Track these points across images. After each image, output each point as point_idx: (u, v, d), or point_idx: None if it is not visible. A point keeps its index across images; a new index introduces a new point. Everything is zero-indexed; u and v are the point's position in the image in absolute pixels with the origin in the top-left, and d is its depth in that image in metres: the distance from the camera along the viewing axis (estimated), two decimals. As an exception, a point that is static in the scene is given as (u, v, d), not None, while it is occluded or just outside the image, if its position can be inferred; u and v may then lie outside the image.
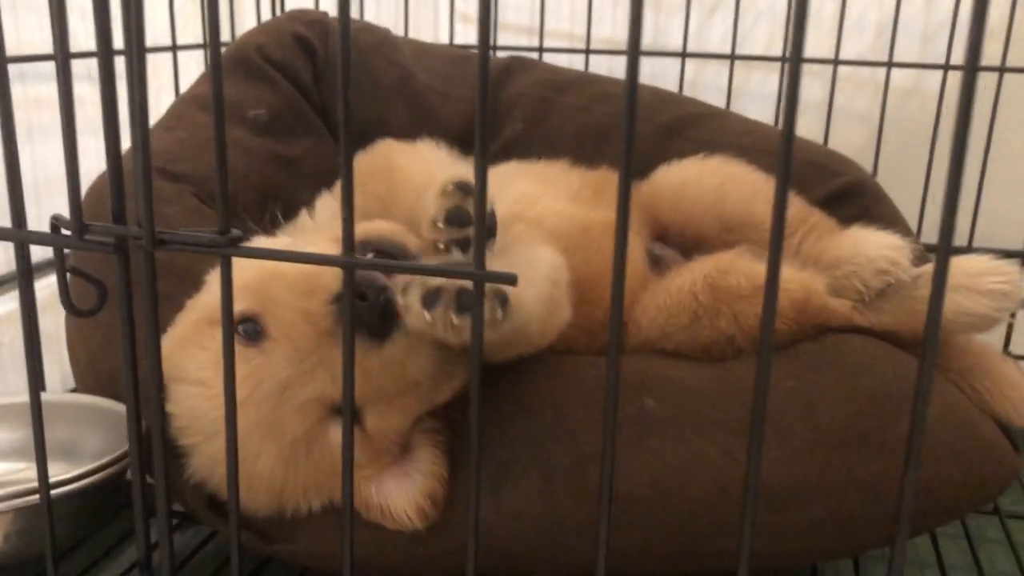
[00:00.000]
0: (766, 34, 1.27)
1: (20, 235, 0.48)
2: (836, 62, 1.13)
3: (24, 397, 0.77)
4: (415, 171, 0.74)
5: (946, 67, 1.11)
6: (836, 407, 0.69)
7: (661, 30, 1.28)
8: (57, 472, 0.65)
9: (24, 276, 0.49)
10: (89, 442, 0.73)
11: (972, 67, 0.34)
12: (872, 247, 0.79)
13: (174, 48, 1.08)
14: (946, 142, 1.03)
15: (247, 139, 0.93)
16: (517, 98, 1.04)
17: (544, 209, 0.83)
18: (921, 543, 0.87)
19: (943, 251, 0.39)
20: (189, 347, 0.64)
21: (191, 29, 1.15)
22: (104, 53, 0.44)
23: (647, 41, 1.27)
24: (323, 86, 1.01)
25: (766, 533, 0.68)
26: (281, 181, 0.93)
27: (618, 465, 0.67)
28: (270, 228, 0.78)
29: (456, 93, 1.05)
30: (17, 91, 1.00)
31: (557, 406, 0.69)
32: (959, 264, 0.73)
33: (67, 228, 0.47)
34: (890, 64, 1.12)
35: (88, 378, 0.78)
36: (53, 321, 0.88)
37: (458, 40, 1.29)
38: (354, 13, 1.20)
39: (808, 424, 0.69)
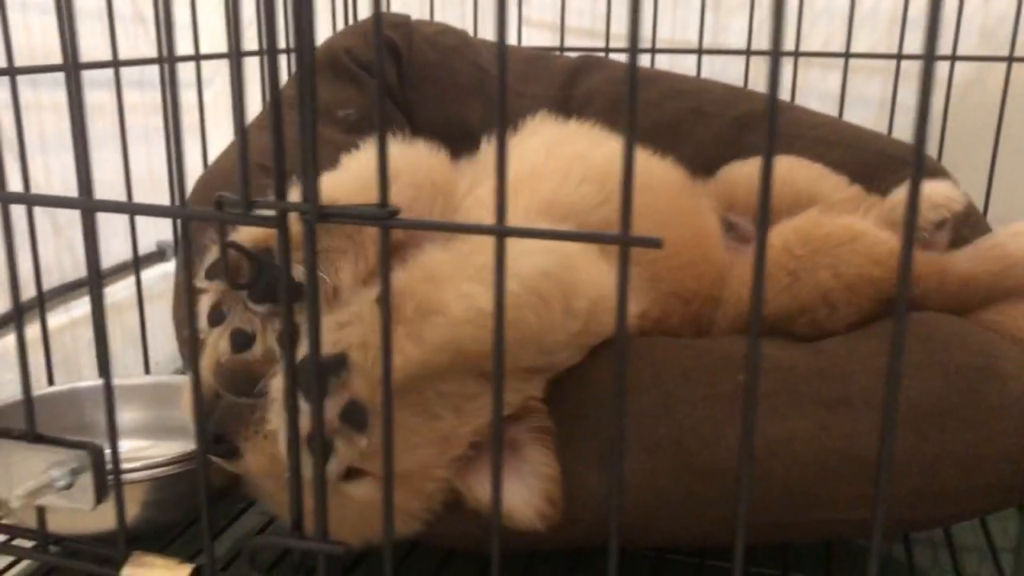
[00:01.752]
0: (824, 32, 1.30)
1: (183, 212, 0.52)
2: (899, 57, 1.16)
3: (153, 379, 0.82)
4: None
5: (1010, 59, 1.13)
6: (927, 382, 0.72)
7: (722, 29, 1.31)
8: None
9: (186, 253, 0.52)
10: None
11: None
12: (925, 188, 0.81)
13: (261, 52, 1.12)
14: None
15: (338, 137, 0.96)
16: (591, 95, 1.07)
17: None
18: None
19: None
20: None
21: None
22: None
23: (708, 40, 1.30)
24: (407, 87, 1.04)
25: (864, 504, 0.70)
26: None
27: (718, 440, 0.70)
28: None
29: (531, 91, 1.09)
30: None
31: (657, 384, 0.72)
32: None
33: (231, 206, 0.51)
34: (954, 58, 1.14)
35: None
36: (160, 308, 0.93)
37: (525, 44, 1.33)
38: (424, 18, 1.24)
39: (901, 398, 0.71)
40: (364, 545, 0.64)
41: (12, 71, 0.81)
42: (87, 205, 0.53)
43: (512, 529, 0.68)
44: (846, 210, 0.86)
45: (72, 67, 0.51)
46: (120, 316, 1.11)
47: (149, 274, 1.26)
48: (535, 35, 1.35)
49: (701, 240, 0.87)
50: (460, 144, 0.87)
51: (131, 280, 1.17)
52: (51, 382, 0.88)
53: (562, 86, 1.08)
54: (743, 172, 0.94)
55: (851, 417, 0.70)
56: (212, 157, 1.10)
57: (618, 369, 0.45)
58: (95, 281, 0.55)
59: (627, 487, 0.69)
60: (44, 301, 0.88)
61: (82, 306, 1.11)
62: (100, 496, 0.59)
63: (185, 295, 0.52)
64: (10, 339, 1.07)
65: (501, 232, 0.46)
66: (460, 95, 1.06)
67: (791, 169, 0.92)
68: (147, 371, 1.03)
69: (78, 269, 1.08)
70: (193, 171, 1.13)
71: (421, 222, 0.49)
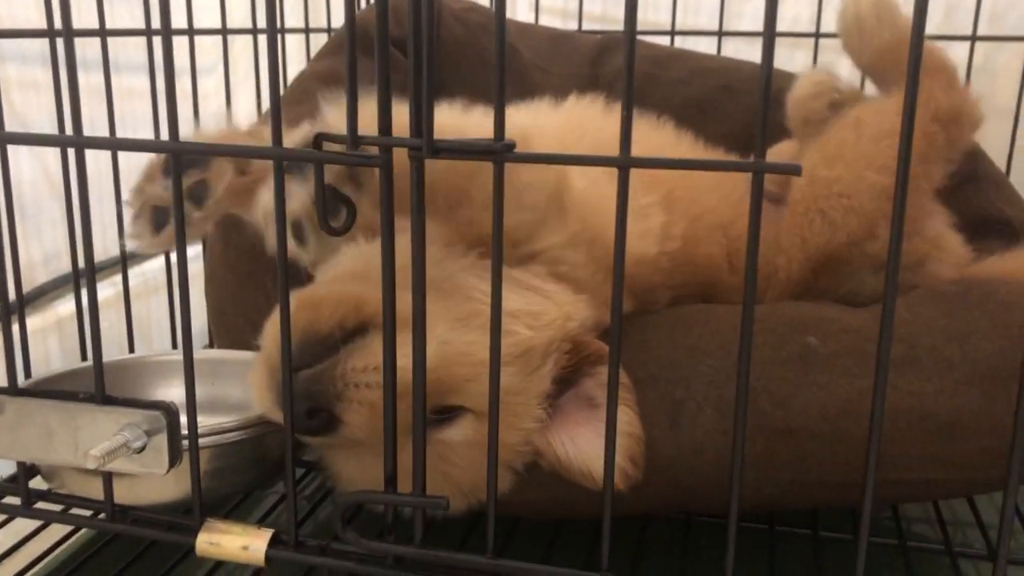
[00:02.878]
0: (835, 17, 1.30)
1: (279, 152, 0.50)
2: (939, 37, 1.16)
3: (199, 353, 0.79)
4: None
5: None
6: (991, 342, 0.71)
7: (734, 15, 1.31)
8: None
9: (279, 196, 0.50)
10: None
11: None
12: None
13: (281, 30, 1.11)
14: None
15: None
16: (619, 73, 1.06)
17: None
18: None
19: None
20: None
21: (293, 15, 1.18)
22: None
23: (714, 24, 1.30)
24: (435, 62, 1.03)
25: (934, 463, 0.70)
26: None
27: (789, 400, 0.69)
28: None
29: (556, 69, 1.08)
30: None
31: (724, 347, 0.71)
32: None
33: (332, 144, 0.49)
34: (974, 38, 1.15)
35: (245, 336, 0.79)
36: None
37: (542, 26, 1.32)
38: (440, 1, 1.23)
39: (966, 359, 0.71)
40: (464, 507, 0.62)
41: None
42: (175, 148, 0.50)
43: (579, 493, 0.67)
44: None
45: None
46: (141, 299, 1.09)
47: (154, 264, 1.24)
48: (547, 21, 1.35)
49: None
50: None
51: (139, 269, 1.15)
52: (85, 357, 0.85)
53: (590, 64, 1.07)
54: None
55: (919, 376, 0.70)
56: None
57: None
58: (182, 239, 0.52)
59: (701, 449, 0.68)
60: (78, 279, 0.84)
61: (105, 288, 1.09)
62: (173, 459, 0.57)
63: (280, 239, 0.50)
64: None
65: (626, 164, 0.45)
66: (488, 72, 1.04)
67: None
68: (173, 346, 1.00)
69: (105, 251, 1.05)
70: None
71: (539, 155, 0.48)
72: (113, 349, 1.06)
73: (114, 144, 0.56)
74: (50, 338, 1.10)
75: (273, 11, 0.49)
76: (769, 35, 0.43)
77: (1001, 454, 0.71)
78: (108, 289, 1.11)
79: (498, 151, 0.46)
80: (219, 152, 0.59)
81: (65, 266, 1.08)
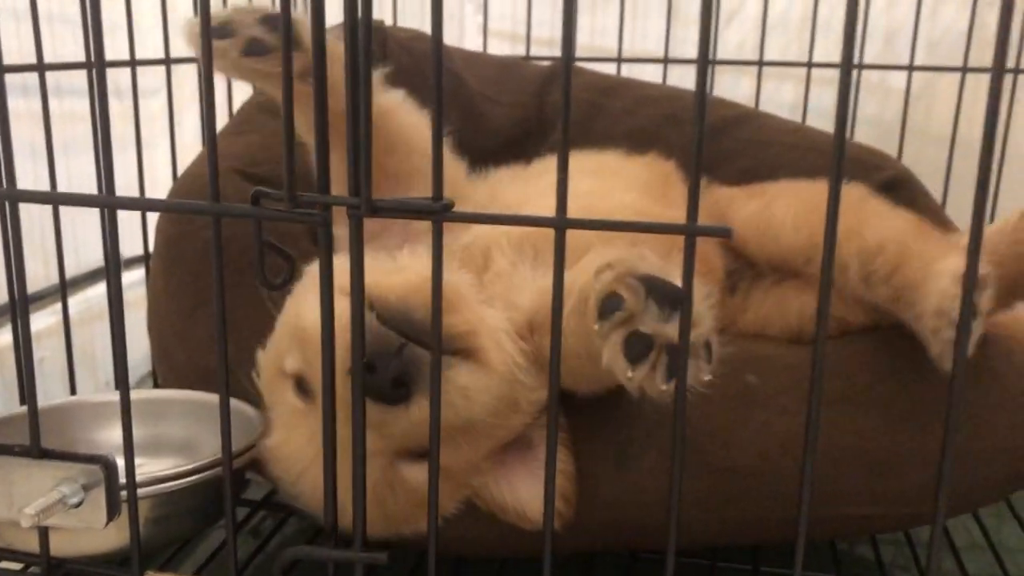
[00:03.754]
0: (780, 44, 1.33)
1: (217, 208, 0.49)
2: (860, 66, 1.19)
3: (141, 393, 0.78)
4: None
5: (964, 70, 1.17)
6: (928, 379, 0.73)
7: (681, 41, 1.33)
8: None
9: (218, 250, 0.50)
10: (208, 440, 0.74)
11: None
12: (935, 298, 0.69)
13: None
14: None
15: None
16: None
17: (616, 204, 0.85)
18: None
19: None
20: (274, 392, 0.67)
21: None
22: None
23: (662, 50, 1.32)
24: (369, 86, 1.03)
25: (871, 499, 0.71)
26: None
27: (729, 439, 0.70)
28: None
29: (504, 99, 1.08)
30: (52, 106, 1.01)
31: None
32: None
33: (270, 201, 0.49)
34: (911, 68, 1.18)
35: (189, 375, 0.78)
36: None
37: (489, 52, 1.32)
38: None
39: (902, 396, 0.72)
40: (393, 536, 0.63)
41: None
42: (109, 203, 0.50)
43: (524, 531, 0.68)
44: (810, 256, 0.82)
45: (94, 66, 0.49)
46: (85, 326, 1.07)
47: (98, 290, 1.22)
48: (496, 44, 1.35)
49: None
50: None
51: (82, 296, 1.13)
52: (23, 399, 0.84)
53: (537, 93, 1.07)
54: (751, 224, 0.88)
55: (856, 413, 0.72)
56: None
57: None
58: (116, 285, 0.52)
59: (644, 488, 0.69)
60: (15, 318, 0.83)
61: (47, 317, 1.07)
62: (112, 513, 0.56)
63: (217, 289, 0.50)
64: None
65: (561, 224, 0.46)
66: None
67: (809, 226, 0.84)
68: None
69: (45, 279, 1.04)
70: (160, 180, 1.10)
71: (476, 215, 0.48)
72: (56, 379, 1.04)
73: (52, 199, 0.54)
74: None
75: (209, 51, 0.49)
76: (701, 89, 0.44)
77: (932, 490, 0.73)
78: (50, 318, 1.09)
79: (436, 211, 0.46)
80: (154, 208, 0.59)
81: (2, 297, 1.06)
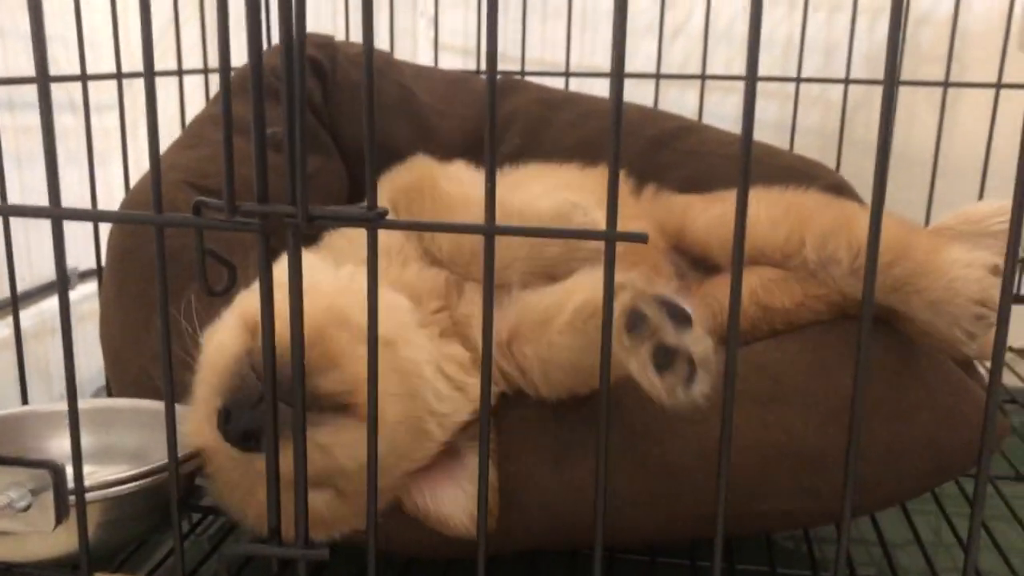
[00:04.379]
0: (724, 58, 1.37)
1: (160, 219, 0.51)
2: (798, 80, 1.23)
3: (92, 403, 0.79)
4: (457, 197, 0.75)
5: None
6: (852, 378, 0.76)
7: (629, 55, 1.36)
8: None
9: (160, 259, 0.52)
10: (160, 448, 0.75)
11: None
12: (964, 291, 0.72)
13: (179, 72, 1.11)
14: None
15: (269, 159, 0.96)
16: (513, 115, 1.10)
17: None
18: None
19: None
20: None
21: (191, 57, 1.18)
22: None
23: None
24: (332, 106, 1.05)
25: (802, 493, 0.74)
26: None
27: (669, 440, 0.73)
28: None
29: (453, 111, 1.11)
30: (6, 120, 1.02)
31: (608, 392, 0.74)
32: (964, 212, 0.80)
33: (211, 211, 0.51)
34: (847, 81, 1.22)
35: (143, 384, 0.80)
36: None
37: (442, 67, 1.35)
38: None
39: (830, 394, 0.75)
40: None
41: None
42: (56, 213, 0.51)
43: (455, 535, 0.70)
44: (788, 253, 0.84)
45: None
46: (38, 339, 1.08)
47: (52, 303, 1.22)
48: (446, 59, 1.38)
49: None
50: (386, 164, 0.88)
51: (36, 309, 1.13)
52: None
53: (485, 107, 1.10)
54: (711, 232, 0.91)
55: (786, 412, 0.74)
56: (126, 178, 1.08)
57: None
58: (65, 298, 0.53)
59: (582, 488, 0.71)
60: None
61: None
62: (60, 517, 0.58)
63: (161, 299, 0.52)
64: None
65: (490, 231, 0.48)
66: (385, 115, 1.07)
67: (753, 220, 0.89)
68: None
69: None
70: (116, 194, 1.11)
71: (409, 223, 0.50)
72: (8, 391, 1.05)
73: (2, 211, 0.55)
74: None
75: (150, 58, 0.51)
76: (616, 100, 0.46)
77: (864, 483, 0.76)
78: (3, 330, 1.10)
79: (371, 219, 0.48)
80: (104, 219, 0.60)
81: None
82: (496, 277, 0.46)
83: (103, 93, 1.10)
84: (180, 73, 1.12)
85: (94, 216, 0.59)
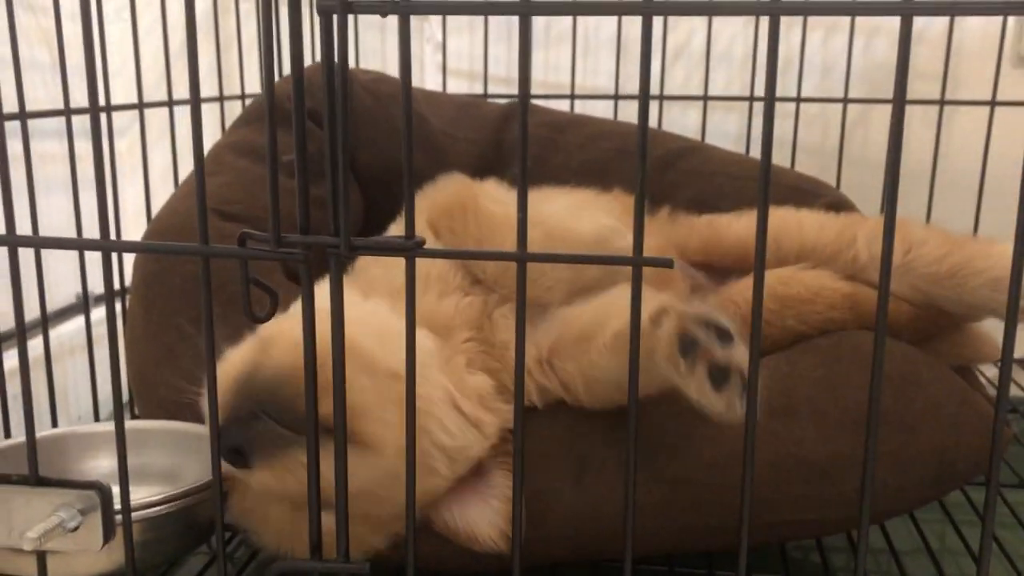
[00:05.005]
0: (724, 78, 1.40)
1: (207, 250, 0.54)
2: (798, 99, 1.26)
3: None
4: (500, 217, 0.77)
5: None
6: (860, 391, 0.79)
7: (630, 77, 1.40)
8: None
9: (207, 288, 0.54)
10: (191, 468, 0.77)
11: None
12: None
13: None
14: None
15: (283, 181, 0.99)
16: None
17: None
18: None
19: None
20: None
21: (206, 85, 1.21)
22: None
23: (611, 86, 1.39)
24: (347, 132, 1.08)
25: (813, 503, 0.77)
26: (317, 220, 0.99)
27: (677, 452, 0.76)
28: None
29: (463, 135, 1.14)
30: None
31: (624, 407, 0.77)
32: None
33: (256, 242, 0.53)
34: (846, 100, 1.25)
35: (171, 408, 0.82)
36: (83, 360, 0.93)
37: (450, 91, 1.38)
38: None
39: (838, 406, 0.78)
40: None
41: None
42: (107, 246, 0.54)
43: (484, 552, 0.72)
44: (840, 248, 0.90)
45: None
46: (57, 362, 1.10)
47: (70, 327, 1.24)
48: (455, 83, 1.41)
49: None
50: (399, 188, 0.91)
51: (55, 333, 1.16)
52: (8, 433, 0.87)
53: (494, 130, 1.13)
54: (728, 240, 0.96)
55: (797, 424, 0.77)
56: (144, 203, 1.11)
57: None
58: (113, 327, 0.56)
59: (603, 500, 0.74)
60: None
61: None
62: (107, 536, 0.60)
63: (206, 322, 0.54)
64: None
65: (523, 258, 0.51)
66: (398, 140, 1.09)
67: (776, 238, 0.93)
68: (96, 417, 1.02)
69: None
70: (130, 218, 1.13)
71: (445, 251, 0.53)
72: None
73: (47, 243, 0.58)
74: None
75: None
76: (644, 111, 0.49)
77: (872, 493, 0.79)
78: (13, 360, 1.11)
79: (409, 248, 0.51)
80: (153, 250, 0.63)
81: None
82: (539, 298, 0.49)
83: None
84: (197, 102, 1.15)
85: (144, 247, 0.62)
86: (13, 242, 0.56)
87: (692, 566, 0.84)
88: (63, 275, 1.13)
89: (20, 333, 0.58)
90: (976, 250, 0.83)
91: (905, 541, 0.92)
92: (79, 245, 0.58)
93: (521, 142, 0.51)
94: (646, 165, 0.50)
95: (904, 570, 0.86)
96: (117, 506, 0.61)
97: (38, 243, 0.56)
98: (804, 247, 0.89)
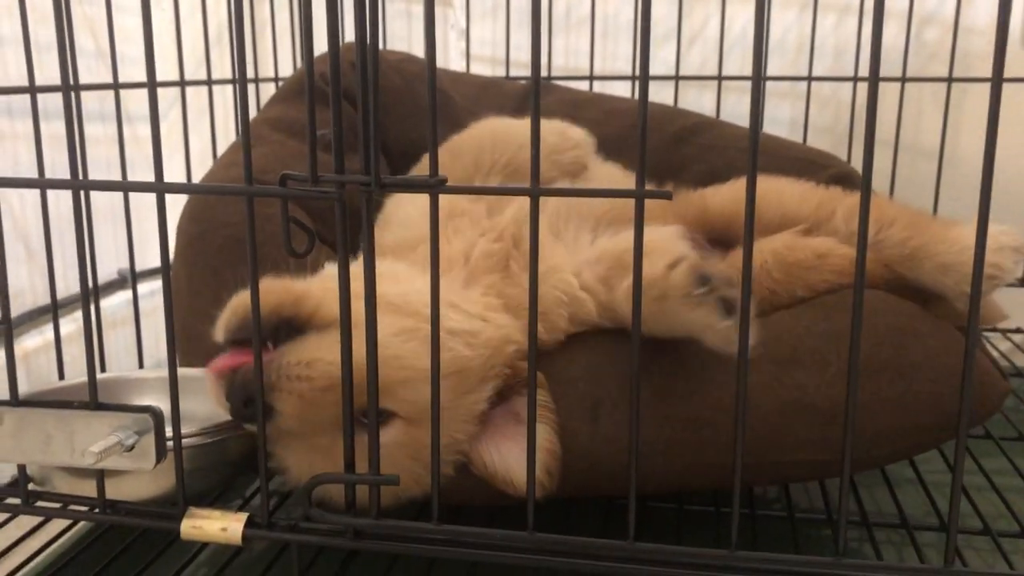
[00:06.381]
0: (739, 60, 1.45)
1: (250, 190, 0.60)
2: (809, 79, 1.31)
3: (164, 372, 0.87)
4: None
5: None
6: (862, 341, 0.84)
7: (650, 58, 1.45)
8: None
9: (250, 229, 0.60)
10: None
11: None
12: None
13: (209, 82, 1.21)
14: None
15: (320, 156, 1.05)
16: (544, 115, 1.18)
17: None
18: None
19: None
20: None
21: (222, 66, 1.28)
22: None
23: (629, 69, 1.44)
24: (377, 74, 1.14)
25: (815, 445, 0.81)
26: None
27: (690, 395, 0.81)
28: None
29: (484, 112, 1.19)
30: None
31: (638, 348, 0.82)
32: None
33: (295, 183, 0.59)
34: (856, 79, 1.30)
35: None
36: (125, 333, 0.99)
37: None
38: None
39: (840, 357, 0.83)
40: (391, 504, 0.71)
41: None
42: (159, 187, 0.60)
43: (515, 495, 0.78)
44: (819, 220, 0.96)
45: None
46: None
47: (111, 301, 1.31)
48: (478, 67, 1.47)
49: None
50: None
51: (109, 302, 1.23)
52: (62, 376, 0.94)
53: (515, 109, 1.18)
54: (723, 205, 1.01)
55: (801, 373, 0.82)
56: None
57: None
58: (166, 263, 0.62)
59: (615, 439, 0.79)
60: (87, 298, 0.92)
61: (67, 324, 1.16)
62: (159, 456, 0.66)
63: (252, 264, 0.60)
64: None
65: (535, 193, 0.56)
66: (424, 118, 1.15)
67: (778, 192, 1.00)
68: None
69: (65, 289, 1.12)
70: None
71: (468, 188, 0.59)
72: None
73: (115, 186, 0.64)
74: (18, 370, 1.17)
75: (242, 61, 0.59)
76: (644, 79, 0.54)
77: (871, 437, 0.83)
78: (70, 324, 1.18)
79: (433, 185, 0.56)
80: (199, 191, 0.69)
81: (29, 303, 1.16)
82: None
83: (132, 104, 1.19)
84: (233, 81, 1.22)
85: (190, 189, 0.68)
86: (77, 186, 0.62)
87: (701, 504, 0.89)
88: (104, 251, 1.20)
89: (83, 276, 0.64)
90: (934, 233, 0.87)
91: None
92: (127, 187, 0.64)
93: (533, 110, 0.56)
94: (647, 106, 0.55)
95: (901, 508, 0.90)
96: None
97: (91, 186, 0.62)
98: (785, 217, 0.94)
